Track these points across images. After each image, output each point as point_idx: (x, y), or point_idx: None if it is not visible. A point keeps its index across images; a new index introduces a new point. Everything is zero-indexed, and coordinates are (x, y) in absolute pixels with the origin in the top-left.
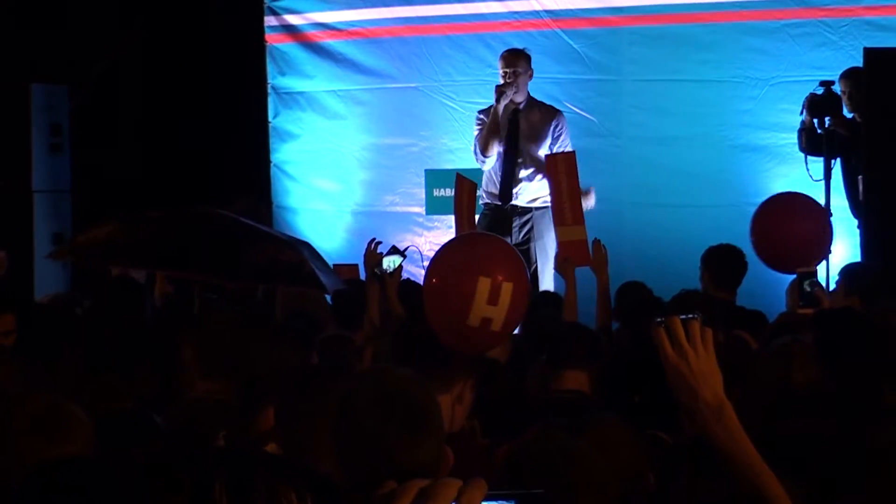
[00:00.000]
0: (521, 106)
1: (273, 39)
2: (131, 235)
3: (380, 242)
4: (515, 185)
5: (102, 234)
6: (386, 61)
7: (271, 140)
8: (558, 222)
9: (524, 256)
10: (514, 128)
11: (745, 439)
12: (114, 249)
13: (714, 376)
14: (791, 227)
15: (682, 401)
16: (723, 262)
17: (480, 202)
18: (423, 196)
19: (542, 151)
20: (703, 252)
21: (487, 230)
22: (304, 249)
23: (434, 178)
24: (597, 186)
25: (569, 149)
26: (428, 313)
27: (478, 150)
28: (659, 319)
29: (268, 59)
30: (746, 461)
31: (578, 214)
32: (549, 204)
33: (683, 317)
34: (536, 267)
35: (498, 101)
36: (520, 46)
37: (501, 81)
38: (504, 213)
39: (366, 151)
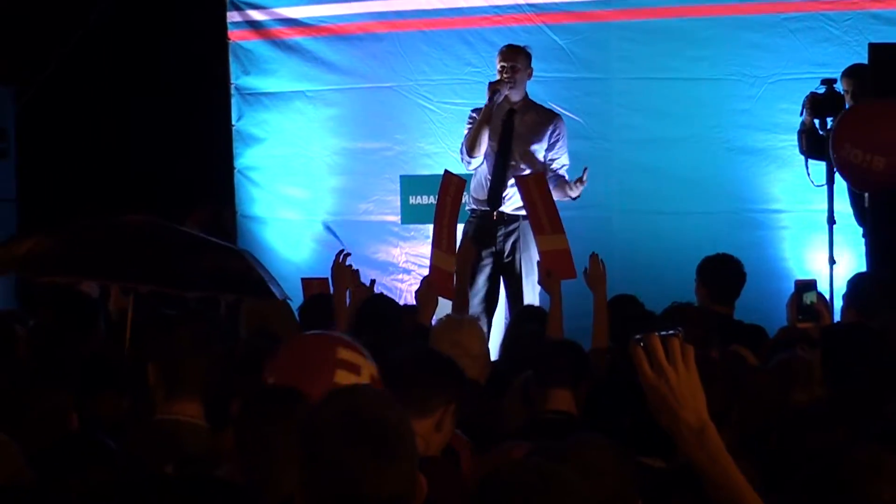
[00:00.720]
0: (517, 106)
1: (236, 36)
2: (77, 246)
3: (349, 254)
4: (504, 190)
5: (43, 246)
6: (358, 59)
7: (235, 144)
8: (537, 231)
9: (509, 269)
10: (509, 129)
11: (729, 463)
12: (60, 261)
13: (696, 397)
14: None
15: (662, 423)
16: (719, 274)
17: (466, 208)
18: (399, 204)
19: (539, 156)
20: (699, 263)
21: (472, 238)
22: (247, 257)
23: (410, 184)
24: (584, 192)
25: (565, 158)
26: None
27: (464, 149)
28: (636, 337)
29: (231, 58)
30: (730, 485)
31: (557, 223)
32: None
33: (662, 333)
34: (522, 282)
35: (491, 97)
36: (490, 44)
37: (497, 77)
38: (489, 220)
39: (337, 156)
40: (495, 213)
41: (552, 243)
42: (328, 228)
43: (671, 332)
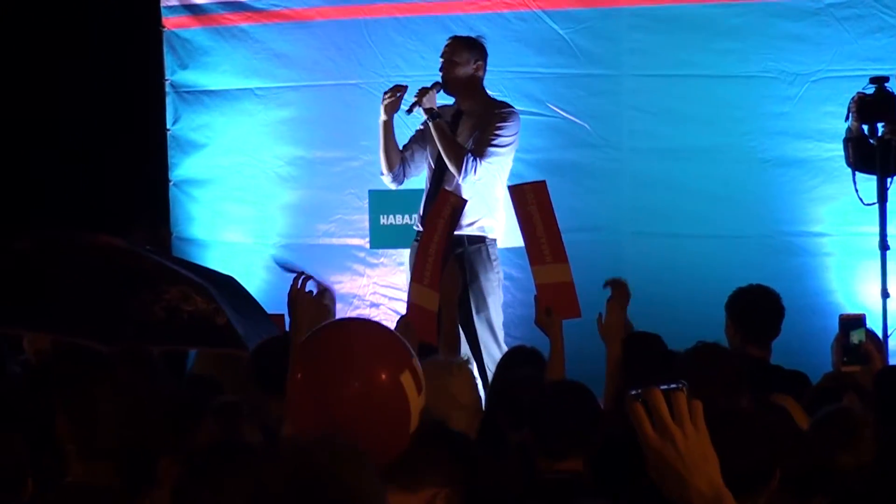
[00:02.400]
0: (466, 108)
1: (172, 24)
2: None
3: (310, 278)
4: None
5: None
6: (317, 51)
7: (170, 152)
8: (534, 261)
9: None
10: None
11: None
12: None
13: (708, 461)
14: None
15: (668, 493)
16: (753, 310)
17: (414, 228)
18: (367, 224)
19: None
20: (728, 297)
21: (413, 267)
22: (221, 291)
23: (380, 201)
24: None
25: (504, 150)
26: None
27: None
28: (634, 392)
29: (165, 49)
30: None
31: (559, 250)
32: (485, 233)
33: (664, 387)
34: (473, 320)
35: (412, 107)
36: (477, 33)
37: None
38: None
39: (291, 167)
40: None
41: (552, 275)
42: (278, 262)
43: (674, 385)
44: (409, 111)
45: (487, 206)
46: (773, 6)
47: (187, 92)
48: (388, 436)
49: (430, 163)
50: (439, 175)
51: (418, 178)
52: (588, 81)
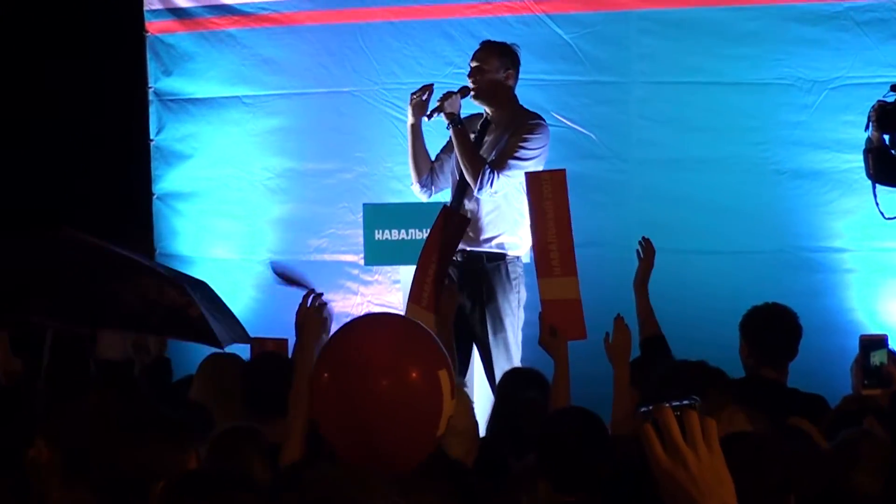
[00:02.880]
0: (494, 118)
1: (155, 28)
2: None
3: (320, 295)
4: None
5: None
6: (309, 57)
7: (153, 164)
8: (542, 272)
9: (472, 325)
10: (478, 144)
11: None
12: None
13: (723, 484)
14: None
15: None
16: (768, 330)
17: None
18: (361, 240)
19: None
20: (742, 316)
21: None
22: (194, 290)
23: (375, 215)
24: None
25: (528, 164)
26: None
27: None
28: (643, 409)
29: (148, 55)
30: None
31: (569, 262)
32: (505, 250)
33: (675, 404)
34: (489, 342)
35: (433, 111)
36: (477, 37)
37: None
38: None
39: (281, 179)
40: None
41: (560, 290)
42: (273, 269)
43: (686, 402)
44: (430, 116)
45: (508, 222)
46: (789, 9)
47: (172, 100)
48: (417, 437)
49: (454, 173)
50: (462, 187)
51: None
52: (594, 89)
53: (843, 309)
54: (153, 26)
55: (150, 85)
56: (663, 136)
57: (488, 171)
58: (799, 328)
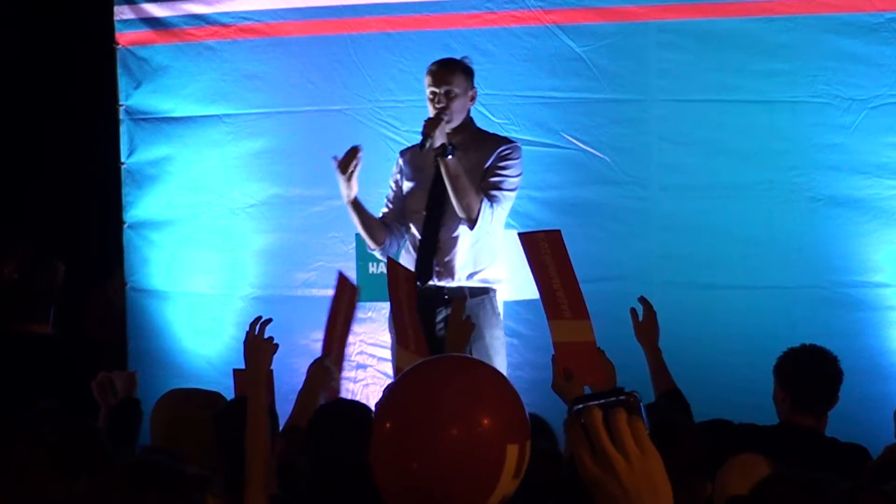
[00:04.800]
0: (456, 140)
1: (127, 40)
2: None
3: (269, 321)
4: (438, 256)
5: None
6: (296, 72)
7: (124, 189)
8: (552, 315)
9: None
10: (440, 174)
11: None
12: None
13: (658, 494)
14: None
15: None
16: (806, 374)
17: None
18: (353, 273)
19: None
20: (777, 359)
21: (395, 327)
22: None
23: None
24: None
25: (512, 194)
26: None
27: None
28: (576, 408)
29: (119, 69)
30: None
31: (579, 305)
32: (489, 283)
33: (603, 401)
34: None
35: (423, 143)
36: (482, 50)
37: (430, 110)
38: (425, 298)
39: (265, 206)
40: (430, 289)
41: (572, 333)
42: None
43: (619, 397)
44: (422, 148)
45: (489, 255)
46: (825, 20)
47: (144, 119)
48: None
49: (416, 212)
50: (434, 222)
51: None
52: (610, 108)
53: (885, 350)
54: (124, 38)
55: (120, 102)
56: (686, 159)
57: (486, 204)
58: (840, 373)
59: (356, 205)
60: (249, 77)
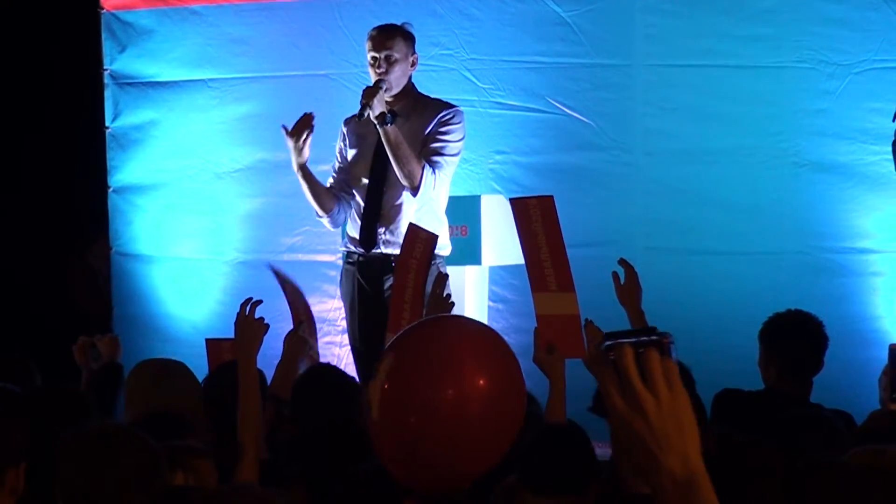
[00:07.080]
0: (398, 107)
1: (111, 4)
2: None
3: (259, 302)
4: (383, 224)
5: None
6: (282, 36)
7: (109, 153)
8: (537, 286)
9: None
10: (382, 142)
11: None
12: None
13: (684, 433)
14: None
15: (638, 470)
16: (791, 339)
17: (339, 248)
18: (339, 238)
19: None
20: (762, 325)
21: (345, 293)
22: None
23: None
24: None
25: (455, 159)
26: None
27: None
28: (607, 343)
29: (104, 33)
30: None
31: (565, 277)
32: (436, 249)
33: (634, 340)
34: None
35: (362, 112)
36: (467, 15)
37: (372, 75)
38: (372, 266)
39: (251, 171)
40: (376, 257)
41: (556, 305)
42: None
43: (651, 337)
44: (360, 117)
45: (434, 221)
46: None
47: (129, 83)
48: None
49: (363, 168)
50: (377, 190)
51: None
52: (595, 72)
53: (869, 316)
54: (109, 2)
55: (105, 66)
56: (671, 124)
57: (428, 170)
58: (825, 338)
59: (305, 172)
60: (235, 41)
